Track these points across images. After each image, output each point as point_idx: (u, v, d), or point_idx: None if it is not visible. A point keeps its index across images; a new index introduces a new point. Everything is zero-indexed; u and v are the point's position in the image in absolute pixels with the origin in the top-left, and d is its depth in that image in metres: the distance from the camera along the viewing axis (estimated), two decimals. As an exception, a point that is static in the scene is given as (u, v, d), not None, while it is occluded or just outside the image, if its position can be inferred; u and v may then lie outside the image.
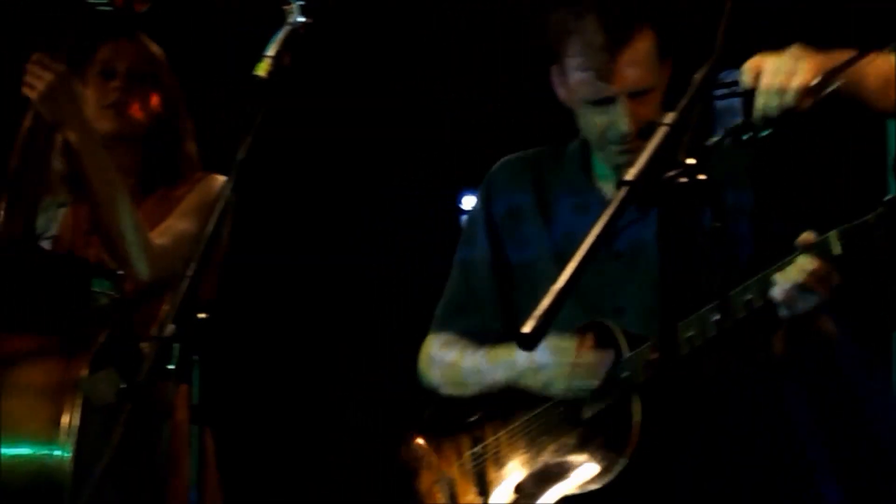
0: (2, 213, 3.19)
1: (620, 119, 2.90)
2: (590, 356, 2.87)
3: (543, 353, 2.89)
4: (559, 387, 2.89)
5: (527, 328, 2.68)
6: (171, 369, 2.58)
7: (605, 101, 2.91)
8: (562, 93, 3.02)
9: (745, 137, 2.73)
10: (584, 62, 2.90)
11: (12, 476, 2.97)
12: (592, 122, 2.95)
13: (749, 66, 2.72)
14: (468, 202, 4.91)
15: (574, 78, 2.93)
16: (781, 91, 2.64)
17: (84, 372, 2.97)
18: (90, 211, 3.31)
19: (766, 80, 2.66)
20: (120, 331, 3.11)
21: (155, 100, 3.48)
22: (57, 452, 2.94)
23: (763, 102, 2.66)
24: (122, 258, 3.27)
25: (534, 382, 2.94)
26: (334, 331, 5.13)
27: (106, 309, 3.13)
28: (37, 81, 3.21)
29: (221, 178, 3.47)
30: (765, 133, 2.71)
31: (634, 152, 2.85)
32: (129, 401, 2.58)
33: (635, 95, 2.90)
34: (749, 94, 2.72)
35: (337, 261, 5.10)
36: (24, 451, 2.97)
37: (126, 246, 3.26)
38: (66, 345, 3.07)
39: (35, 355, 3.07)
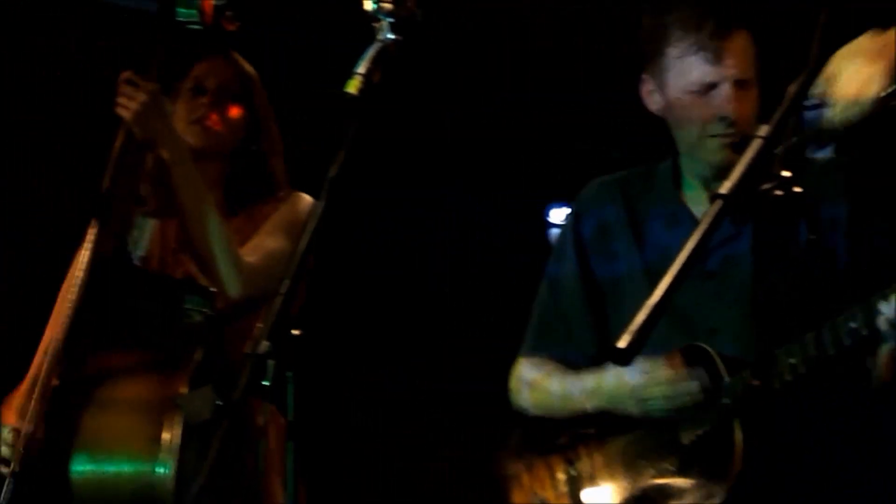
0: (94, 231, 3.21)
1: (725, 105, 2.90)
2: (683, 374, 2.84)
3: (635, 374, 2.87)
4: (659, 405, 2.87)
5: (622, 343, 2.67)
6: (265, 386, 2.60)
7: (710, 87, 2.91)
8: (655, 100, 3.02)
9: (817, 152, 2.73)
10: (691, 43, 2.90)
11: (116, 492, 3.00)
12: (694, 114, 2.93)
13: (824, 74, 2.70)
14: (556, 215, 4.90)
15: (677, 68, 2.93)
16: (857, 100, 2.62)
17: (183, 389, 3.00)
18: (179, 228, 3.32)
19: (842, 90, 2.64)
20: (213, 348, 3.12)
21: (242, 116, 3.49)
22: (159, 469, 2.97)
23: (840, 112, 2.64)
24: (213, 275, 3.28)
25: (631, 406, 2.91)
26: (421, 346, 5.14)
27: (199, 326, 3.14)
28: (129, 101, 3.24)
29: (308, 197, 3.49)
30: (833, 143, 2.71)
31: (733, 149, 2.84)
32: (225, 418, 2.58)
33: (739, 85, 2.91)
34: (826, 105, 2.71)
35: (425, 273, 5.10)
36: (126, 467, 3.00)
37: (217, 263, 3.27)
38: (162, 362, 3.09)
39: (133, 372, 3.10)
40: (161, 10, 3.34)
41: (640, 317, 2.68)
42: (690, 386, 2.82)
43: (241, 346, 3.24)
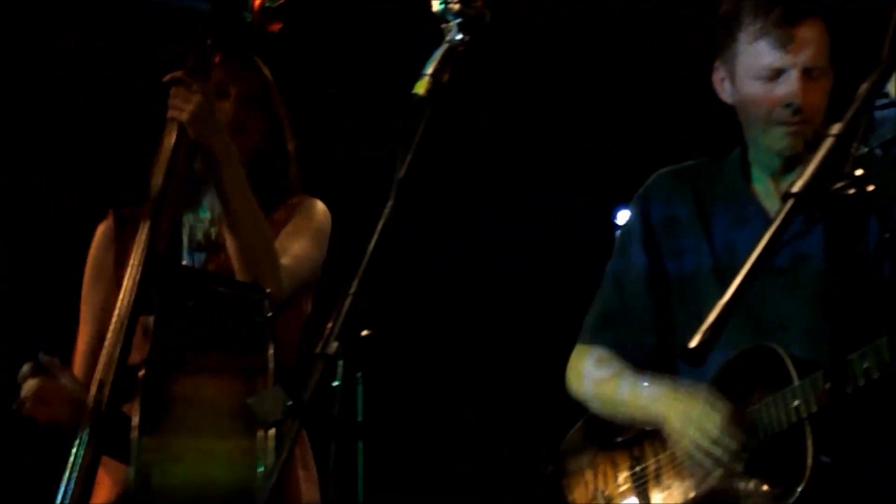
0: (146, 230, 3.23)
1: (792, 92, 2.89)
2: (729, 431, 2.82)
3: (688, 420, 2.86)
4: (692, 447, 2.85)
5: (693, 343, 2.66)
6: (335, 386, 2.61)
7: (778, 73, 2.90)
8: (726, 88, 3.01)
9: None
10: (761, 28, 2.89)
11: (208, 493, 3.02)
12: (761, 100, 2.92)
13: None
14: (623, 217, 4.89)
15: (747, 53, 2.93)
16: None
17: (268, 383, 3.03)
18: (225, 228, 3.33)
19: None
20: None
21: (261, 122, 3.50)
22: (260, 468, 2.98)
23: None
24: (258, 275, 3.27)
25: (671, 433, 2.91)
26: (486, 343, 5.14)
27: (262, 326, 3.15)
28: (184, 103, 3.25)
29: (321, 203, 3.51)
30: None
31: (799, 136, 2.83)
32: (296, 418, 2.60)
33: (809, 73, 2.90)
34: None
35: (491, 274, 5.10)
36: (220, 468, 3.02)
37: (263, 263, 3.28)
38: (239, 361, 3.10)
39: (215, 372, 3.11)
40: (213, 9, 3.35)
41: (712, 316, 2.67)
42: (728, 445, 2.80)
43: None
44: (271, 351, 3.10)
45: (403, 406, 4.71)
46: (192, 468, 3.05)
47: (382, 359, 2.61)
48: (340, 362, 2.59)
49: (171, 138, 3.29)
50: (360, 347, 2.61)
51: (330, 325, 2.60)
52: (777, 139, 2.93)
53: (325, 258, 3.48)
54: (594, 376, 3.11)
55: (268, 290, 3.22)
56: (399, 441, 4.20)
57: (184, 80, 3.28)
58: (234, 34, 3.34)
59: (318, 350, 2.61)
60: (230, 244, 3.30)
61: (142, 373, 3.05)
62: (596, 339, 3.15)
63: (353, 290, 2.62)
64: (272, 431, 3.00)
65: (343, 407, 2.65)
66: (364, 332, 2.62)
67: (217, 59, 3.35)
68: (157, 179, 3.27)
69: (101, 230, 3.55)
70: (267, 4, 3.32)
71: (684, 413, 2.86)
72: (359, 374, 2.62)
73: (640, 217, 3.14)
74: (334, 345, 2.60)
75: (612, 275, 3.17)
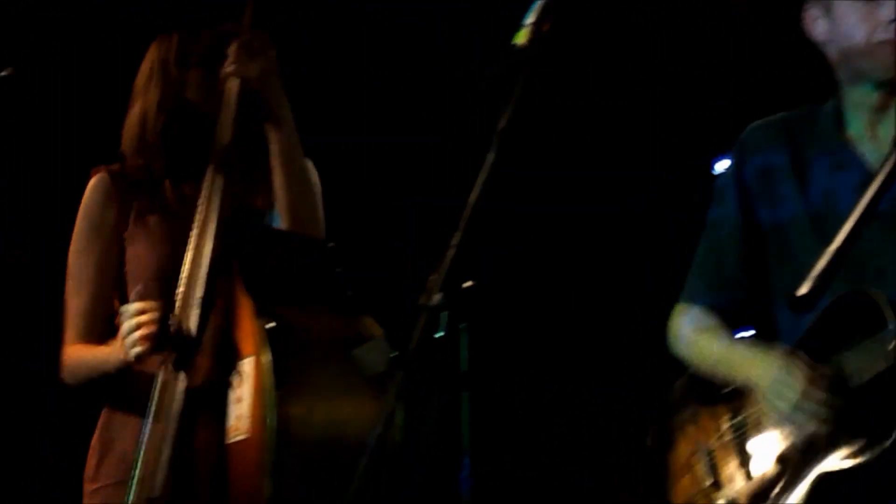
0: (215, 187, 3.20)
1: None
2: (820, 393, 2.86)
3: (768, 386, 2.89)
4: (782, 407, 2.88)
5: (802, 290, 2.71)
6: (439, 338, 2.62)
7: None
8: (819, 25, 3.00)
9: None
10: None
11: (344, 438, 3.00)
12: (861, 22, 2.90)
13: None
14: (722, 167, 4.87)
15: None
16: None
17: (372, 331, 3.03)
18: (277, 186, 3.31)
19: None
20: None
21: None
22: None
23: None
24: (305, 230, 3.30)
25: (764, 395, 2.94)
26: (587, 298, 5.11)
27: (340, 274, 3.15)
28: (250, 59, 3.20)
29: (313, 167, 3.45)
30: None
31: None
32: (401, 369, 2.60)
33: None
34: None
35: (594, 229, 5.09)
36: (355, 412, 3.01)
37: (313, 224, 3.30)
38: (337, 311, 3.10)
39: (325, 324, 3.10)
40: None
41: (821, 263, 2.73)
42: (809, 409, 2.83)
43: None
44: (351, 293, 3.10)
45: (509, 356, 4.69)
46: (329, 412, 3.02)
47: (487, 309, 2.60)
48: (444, 313, 2.61)
49: (229, 96, 3.25)
50: (464, 298, 2.62)
51: (433, 276, 2.61)
52: (880, 59, 2.90)
53: None
54: (690, 336, 3.14)
55: (331, 244, 3.22)
56: (504, 392, 4.20)
57: (245, 34, 3.23)
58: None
59: (421, 302, 2.62)
60: (281, 203, 3.28)
61: (270, 325, 3.00)
62: (693, 297, 3.17)
63: (455, 241, 2.63)
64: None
65: (447, 358, 2.67)
66: (467, 284, 2.63)
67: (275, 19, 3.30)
68: (224, 136, 3.23)
69: (94, 186, 3.42)
70: None
71: (764, 378, 2.90)
72: (462, 326, 2.63)
73: (735, 168, 3.14)
74: (437, 296, 2.61)
75: (708, 228, 3.17)
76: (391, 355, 2.63)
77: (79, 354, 3.32)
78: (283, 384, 2.94)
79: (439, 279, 2.61)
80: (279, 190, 3.30)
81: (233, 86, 3.29)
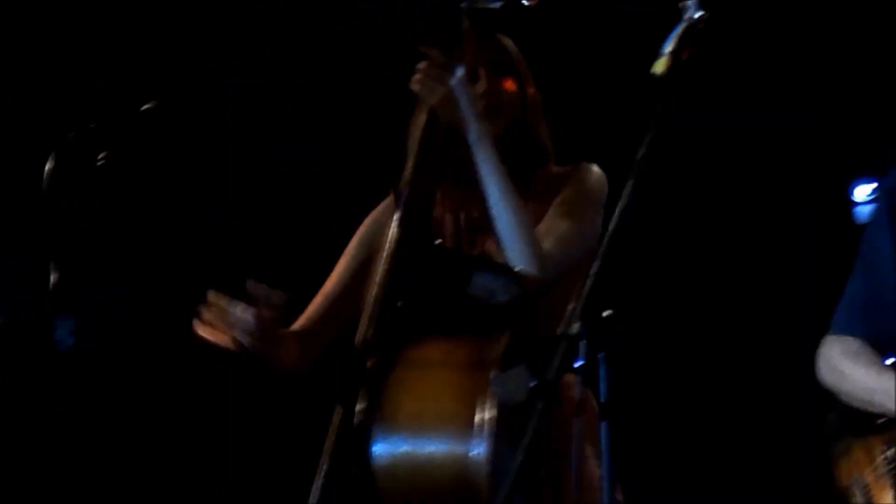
0: (399, 212, 3.22)
1: None
2: None
3: None
4: None
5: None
6: (578, 367, 2.62)
7: None
8: None
9: None
10: None
11: (430, 475, 3.03)
12: None
13: None
14: (860, 193, 4.79)
15: None
16: None
17: (495, 371, 3.01)
18: (479, 211, 3.30)
19: None
20: (522, 330, 3.13)
21: (515, 94, 3.44)
22: (474, 451, 2.98)
23: None
24: (516, 258, 3.23)
25: None
26: (724, 327, 5.06)
27: (507, 307, 3.14)
28: (435, 84, 3.22)
29: (596, 168, 3.41)
30: None
31: None
32: (541, 398, 2.60)
33: None
34: None
35: (725, 256, 5.05)
36: (439, 448, 3.02)
37: (520, 246, 3.22)
38: (473, 343, 3.10)
39: (444, 353, 3.11)
40: None
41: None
42: None
43: (539, 327, 3.25)
44: (504, 341, 3.08)
45: (648, 387, 4.68)
46: (408, 445, 3.06)
47: (626, 339, 2.59)
48: (583, 342, 2.61)
49: (421, 120, 3.28)
50: (603, 328, 2.62)
51: (572, 305, 2.62)
52: None
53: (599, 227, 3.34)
54: (841, 366, 3.08)
55: (522, 270, 3.19)
56: (644, 422, 4.19)
57: (434, 58, 3.24)
58: (489, 9, 3.29)
59: (560, 330, 2.63)
60: (494, 229, 3.25)
61: (370, 361, 3.06)
62: (844, 331, 3.12)
63: (594, 270, 2.63)
64: (491, 414, 2.99)
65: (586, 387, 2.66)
66: (606, 313, 2.62)
67: (470, 37, 3.30)
68: (410, 162, 3.26)
69: (383, 205, 3.49)
70: None
71: None
72: (601, 355, 2.62)
73: (887, 198, 3.09)
74: (576, 325, 2.61)
75: (861, 258, 3.12)
76: (530, 384, 2.63)
77: None
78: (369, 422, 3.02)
79: (578, 308, 2.62)
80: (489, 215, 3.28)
81: (421, 111, 3.32)
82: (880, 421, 3.01)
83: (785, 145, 4.96)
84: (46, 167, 3.34)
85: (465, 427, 2.99)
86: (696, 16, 2.65)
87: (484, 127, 3.23)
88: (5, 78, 5.05)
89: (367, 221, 3.52)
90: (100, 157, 3.45)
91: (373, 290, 3.19)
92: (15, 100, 5.04)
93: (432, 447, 3.02)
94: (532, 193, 3.35)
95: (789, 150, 4.96)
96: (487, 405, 3.00)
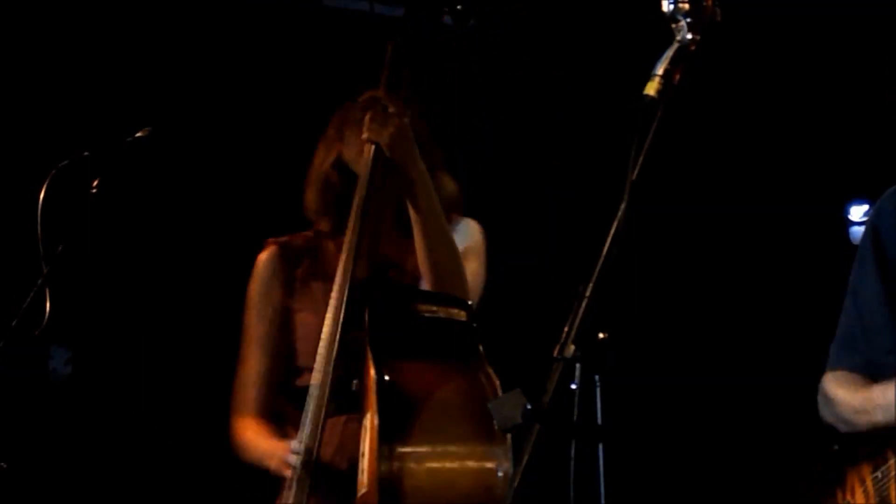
0: (348, 250, 3.26)
1: None
2: None
3: None
4: None
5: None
6: (573, 389, 2.62)
7: None
8: None
9: None
10: None
11: (451, 493, 3.04)
12: None
13: None
14: (856, 213, 4.79)
15: None
16: None
17: (494, 386, 3.04)
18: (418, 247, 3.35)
19: None
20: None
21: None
22: (495, 467, 3.00)
23: None
24: (450, 287, 3.34)
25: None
26: (722, 349, 5.06)
27: (472, 331, 3.19)
28: (383, 125, 3.29)
29: (475, 223, 3.54)
30: None
31: None
32: (537, 422, 2.60)
33: None
34: None
35: (721, 276, 5.05)
36: (462, 466, 3.04)
37: (454, 281, 3.34)
38: (459, 364, 3.13)
39: (443, 378, 3.14)
40: (407, 19, 3.35)
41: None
42: None
43: None
44: (482, 349, 3.12)
45: (644, 410, 4.67)
46: (434, 471, 3.07)
47: (620, 362, 2.60)
48: (578, 365, 2.61)
49: (366, 159, 3.32)
50: (598, 350, 2.62)
51: (566, 328, 2.62)
52: None
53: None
54: (834, 394, 3.10)
55: (470, 302, 3.27)
56: (640, 445, 4.19)
57: (380, 99, 3.30)
58: (434, 40, 3.34)
59: (555, 353, 2.63)
60: (422, 263, 3.34)
61: (374, 381, 3.07)
62: (838, 364, 3.14)
63: (588, 293, 2.63)
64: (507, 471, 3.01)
65: (582, 410, 2.66)
66: (601, 335, 2.63)
67: (406, 74, 3.34)
68: (360, 197, 3.29)
69: (263, 261, 3.53)
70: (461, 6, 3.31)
71: None
72: (597, 377, 2.62)
73: (871, 232, 3.10)
74: (571, 348, 2.61)
75: (850, 290, 3.14)
76: (526, 408, 2.62)
77: (249, 440, 3.43)
78: (389, 440, 3.01)
79: (573, 331, 2.62)
80: (419, 251, 3.37)
81: (368, 150, 3.35)
82: (868, 449, 3.02)
83: (782, 167, 4.97)
84: (41, 194, 3.34)
85: (487, 445, 2.99)
86: (688, 38, 2.64)
87: (423, 167, 3.33)
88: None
89: (255, 290, 3.53)
90: (93, 184, 3.46)
91: (326, 326, 3.23)
92: (9, 127, 5.05)
93: (454, 463, 3.03)
94: None
95: (786, 171, 4.97)
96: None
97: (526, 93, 3.95)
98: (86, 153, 3.45)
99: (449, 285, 3.33)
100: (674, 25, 2.65)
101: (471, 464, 3.05)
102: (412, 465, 3.06)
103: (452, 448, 3.09)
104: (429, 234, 3.33)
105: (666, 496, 4.94)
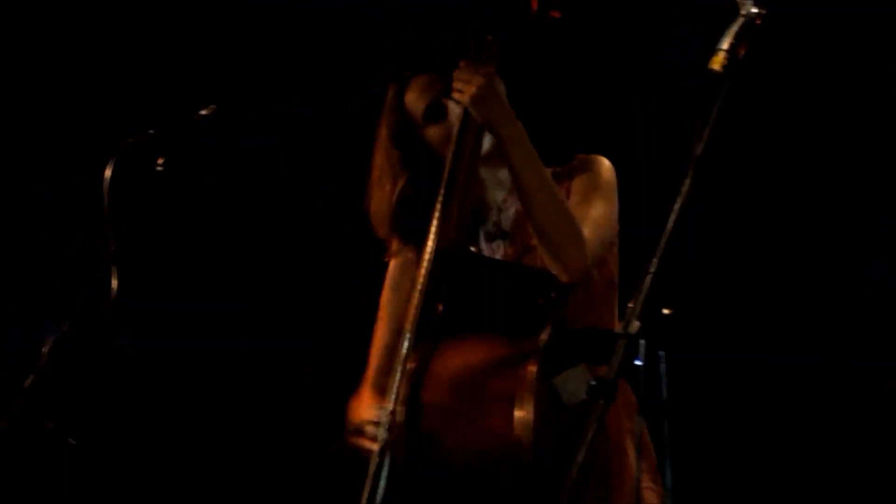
0: (436, 219, 3.23)
1: None
2: None
3: None
4: None
5: None
6: (638, 366, 2.62)
7: None
8: None
9: None
10: None
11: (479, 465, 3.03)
12: None
13: None
14: None
15: None
16: None
17: (532, 369, 3.00)
18: (525, 210, 3.30)
19: None
20: (558, 328, 3.12)
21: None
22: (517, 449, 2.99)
23: None
24: (559, 250, 3.23)
25: None
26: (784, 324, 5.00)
27: (543, 308, 3.14)
28: (466, 86, 3.23)
29: (603, 159, 3.43)
30: None
31: None
32: (602, 398, 2.60)
33: None
34: None
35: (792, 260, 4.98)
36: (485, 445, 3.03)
37: (563, 238, 3.22)
38: (514, 345, 3.10)
39: (482, 355, 3.11)
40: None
41: None
42: None
43: (583, 319, 3.28)
44: (545, 335, 3.08)
45: (710, 387, 4.64)
46: (451, 449, 3.05)
47: (686, 338, 2.59)
48: (643, 341, 2.60)
49: (458, 122, 3.28)
50: (663, 326, 2.61)
51: (631, 304, 2.61)
52: None
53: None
54: None
55: (549, 272, 3.22)
56: (705, 422, 4.17)
57: (466, 64, 3.25)
58: (515, 23, 3.32)
59: (620, 329, 2.62)
60: (532, 225, 3.26)
61: (411, 363, 3.07)
62: None
63: (652, 268, 2.62)
64: (529, 412, 2.97)
65: (647, 387, 2.66)
66: (666, 311, 2.62)
67: (496, 49, 3.31)
68: (447, 166, 3.26)
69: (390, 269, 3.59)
70: None
71: None
72: (661, 353, 2.62)
73: None
74: (636, 324, 2.60)
75: None
76: (591, 383, 2.62)
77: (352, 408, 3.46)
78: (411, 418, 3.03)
79: (637, 307, 2.61)
80: (525, 213, 3.30)
81: (456, 114, 3.33)
82: None
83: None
84: (106, 173, 3.36)
85: (508, 425, 2.98)
86: (754, 12, 2.63)
87: (516, 125, 3.24)
88: (66, 86, 5.10)
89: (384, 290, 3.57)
90: (159, 162, 3.48)
91: (413, 298, 3.20)
92: (73, 106, 5.09)
93: (479, 410, 3.01)
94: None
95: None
96: (525, 402, 2.97)
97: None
98: (151, 131, 3.46)
99: (559, 248, 3.22)
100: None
101: (487, 440, 3.01)
102: (428, 439, 3.04)
103: (468, 424, 3.03)
104: (530, 195, 3.23)
105: (731, 474, 4.91)
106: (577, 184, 3.42)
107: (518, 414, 2.95)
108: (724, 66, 2.63)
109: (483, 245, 3.45)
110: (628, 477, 3.23)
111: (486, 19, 3.32)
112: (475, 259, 3.34)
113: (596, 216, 3.33)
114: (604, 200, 3.37)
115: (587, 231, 3.25)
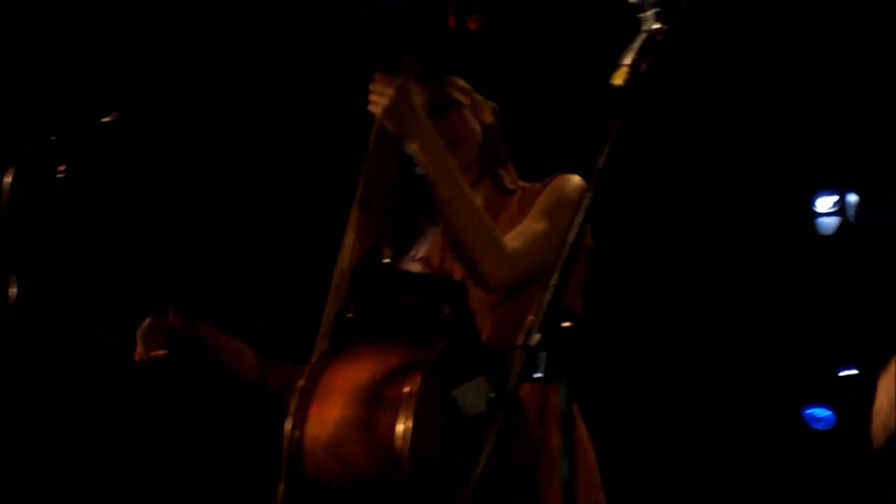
0: (358, 227, 3.22)
1: None
2: None
3: None
4: None
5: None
6: (538, 378, 2.62)
7: None
8: None
9: None
10: None
11: (351, 444, 3.00)
12: None
13: None
14: (823, 204, 4.74)
15: None
16: None
17: (415, 381, 2.99)
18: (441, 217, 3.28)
19: None
20: (463, 342, 3.11)
21: (465, 132, 3.49)
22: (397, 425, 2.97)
23: None
24: (476, 259, 3.21)
25: None
26: (686, 342, 5.05)
27: (447, 319, 3.12)
28: (379, 97, 3.23)
29: (576, 178, 3.42)
30: None
31: None
32: (501, 409, 2.60)
33: None
34: None
35: (688, 267, 5.04)
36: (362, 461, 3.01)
37: (478, 250, 3.20)
38: (412, 355, 3.08)
39: (380, 367, 3.10)
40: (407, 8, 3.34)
41: None
42: None
43: (508, 333, 3.26)
44: (442, 347, 3.07)
45: (610, 398, 4.67)
46: (328, 454, 3.03)
47: (586, 351, 2.60)
48: (543, 354, 2.60)
49: (372, 133, 3.30)
50: (563, 339, 2.62)
51: (531, 316, 2.61)
52: None
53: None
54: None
55: (461, 282, 3.20)
56: (604, 433, 4.17)
57: (380, 76, 3.25)
58: (431, 34, 3.32)
59: (519, 342, 2.62)
60: (447, 236, 3.26)
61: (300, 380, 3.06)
62: None
63: (553, 281, 2.62)
64: (408, 424, 2.96)
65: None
66: (566, 324, 2.62)
67: (414, 61, 3.31)
68: (363, 176, 3.27)
69: None
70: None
71: None
72: (562, 367, 2.62)
73: None
74: (536, 336, 2.60)
75: None
76: (490, 396, 2.62)
77: None
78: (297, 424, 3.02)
79: (538, 319, 2.61)
80: (442, 223, 3.29)
81: (374, 128, 3.35)
82: None
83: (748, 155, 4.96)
84: (5, 180, 3.32)
85: (389, 403, 2.96)
86: (655, 27, 2.64)
87: (431, 136, 3.23)
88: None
89: None
90: (59, 170, 3.44)
91: (329, 306, 3.19)
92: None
93: (355, 419, 3.00)
94: (509, 213, 3.39)
95: (752, 160, 4.95)
96: (407, 416, 2.96)
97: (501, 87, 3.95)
98: (52, 138, 3.43)
99: (472, 257, 3.20)
100: (641, 14, 2.66)
101: (360, 446, 2.99)
102: (310, 446, 3.02)
103: (343, 430, 3.01)
104: (445, 204, 3.21)
105: (632, 484, 4.95)
106: (540, 200, 3.41)
107: (398, 423, 2.95)
108: (627, 81, 2.64)
109: (406, 262, 3.46)
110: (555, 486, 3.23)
111: (405, 32, 3.32)
112: (385, 269, 3.33)
113: (537, 231, 3.31)
114: (555, 218, 3.33)
115: (518, 243, 3.24)
